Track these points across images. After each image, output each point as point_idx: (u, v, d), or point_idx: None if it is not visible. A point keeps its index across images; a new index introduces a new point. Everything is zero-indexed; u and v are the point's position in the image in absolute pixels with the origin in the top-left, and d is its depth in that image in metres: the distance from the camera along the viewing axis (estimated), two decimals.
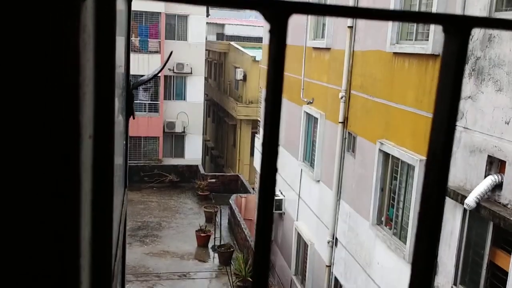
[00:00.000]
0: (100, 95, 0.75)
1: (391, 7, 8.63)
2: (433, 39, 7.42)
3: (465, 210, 6.62)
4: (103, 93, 0.77)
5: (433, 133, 0.49)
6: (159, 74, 25.40)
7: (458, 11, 6.89)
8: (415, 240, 0.51)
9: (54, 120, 0.52)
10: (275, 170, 0.44)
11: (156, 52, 25.54)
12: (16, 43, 0.49)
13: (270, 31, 0.40)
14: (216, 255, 17.12)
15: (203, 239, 17.87)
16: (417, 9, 8.21)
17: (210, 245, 17.96)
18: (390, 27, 8.69)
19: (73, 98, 0.52)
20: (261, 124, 18.36)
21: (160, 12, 25.49)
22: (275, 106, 0.40)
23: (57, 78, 0.51)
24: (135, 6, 26.88)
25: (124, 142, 1.89)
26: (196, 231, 18.11)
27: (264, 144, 0.42)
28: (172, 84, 27.08)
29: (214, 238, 17.83)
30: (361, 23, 10.07)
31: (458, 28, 0.45)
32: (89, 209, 0.71)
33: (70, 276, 0.56)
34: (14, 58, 0.50)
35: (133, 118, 1.94)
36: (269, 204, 0.44)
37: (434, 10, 7.44)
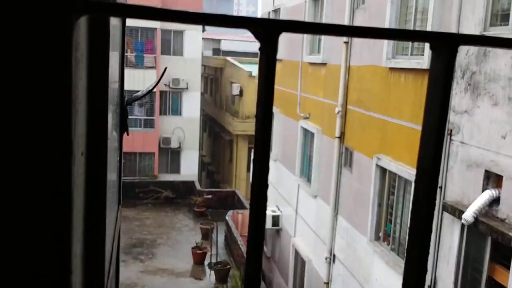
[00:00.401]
0: (93, 112, 0.75)
1: (386, 21, 8.70)
2: (429, 54, 7.46)
3: (463, 225, 6.59)
4: (96, 110, 0.76)
5: (422, 147, 0.50)
6: (155, 90, 25.44)
7: (453, 26, 6.94)
8: (406, 251, 0.50)
9: (45, 137, 0.52)
10: (266, 185, 0.44)
11: (152, 67, 25.62)
12: (8, 60, 0.50)
13: (260, 49, 0.40)
14: (213, 272, 16.94)
15: (199, 256, 17.71)
16: (412, 24, 8.27)
17: (206, 262, 17.79)
18: (385, 42, 8.75)
19: (65, 115, 0.52)
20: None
21: (156, 28, 25.63)
22: (266, 122, 0.40)
23: (49, 96, 0.51)
24: (130, 22, 27.12)
25: (118, 158, 1.86)
26: (192, 248, 17.96)
27: (255, 160, 0.41)
28: (168, 100, 27.11)
29: (211, 255, 17.68)
30: (357, 38, 10.13)
31: (445, 46, 0.46)
32: (81, 226, 0.69)
33: None
34: (6, 76, 0.50)
35: (127, 134, 1.92)
36: (261, 219, 0.43)
37: (429, 24, 7.50)
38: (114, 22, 1.49)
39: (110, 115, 1.42)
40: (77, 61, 0.58)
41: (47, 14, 0.48)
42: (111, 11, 0.44)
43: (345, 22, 10.36)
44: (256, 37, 0.41)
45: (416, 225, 0.50)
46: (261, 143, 0.42)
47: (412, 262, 0.49)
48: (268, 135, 0.42)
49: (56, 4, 0.48)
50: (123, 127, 1.83)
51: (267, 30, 0.41)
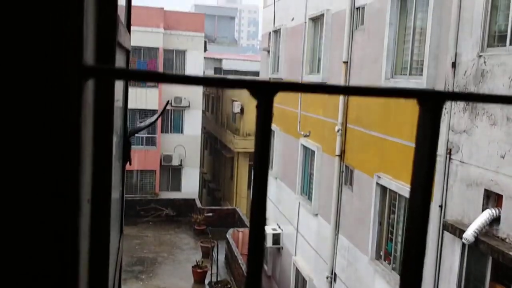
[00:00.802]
0: (97, 161, 0.78)
1: (385, 42, 8.79)
2: (427, 74, 7.54)
3: (463, 244, 6.58)
4: (100, 159, 0.80)
5: (411, 198, 0.52)
6: (156, 107, 25.57)
7: (450, 47, 7.02)
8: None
9: (53, 189, 0.55)
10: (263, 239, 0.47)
11: (154, 86, 25.78)
12: (21, 121, 0.53)
13: (257, 107, 0.44)
14: None
15: (199, 275, 17.59)
16: (410, 45, 8.36)
17: (206, 281, 17.67)
18: (384, 61, 8.84)
19: (73, 169, 0.55)
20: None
21: (158, 48, 25.87)
22: (262, 175, 0.43)
23: (58, 152, 0.54)
24: (133, 42, 27.19)
25: (121, 189, 1.89)
26: (192, 266, 17.85)
27: (252, 214, 0.45)
28: (169, 118, 27.23)
29: (211, 274, 17.56)
30: (356, 58, 10.23)
31: (431, 102, 0.49)
32: (86, 270, 0.72)
33: None
34: (18, 134, 0.53)
35: (130, 164, 1.96)
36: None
37: (427, 45, 7.58)
38: (118, 59, 1.54)
39: (114, 145, 1.46)
40: (85, 118, 0.62)
41: (58, 78, 0.52)
42: (117, 75, 0.47)
43: (345, 42, 10.47)
44: (254, 96, 0.44)
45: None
46: (258, 196, 0.44)
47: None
48: (265, 186, 0.45)
49: (66, 70, 0.52)
50: (125, 158, 1.87)
51: (264, 91, 0.44)
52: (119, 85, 1.59)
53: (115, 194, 1.54)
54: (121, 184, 1.85)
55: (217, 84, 0.44)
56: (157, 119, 2.84)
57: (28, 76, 0.51)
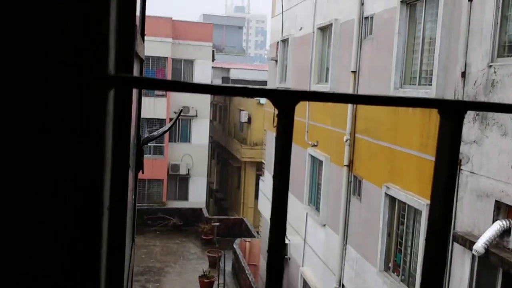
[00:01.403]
0: (116, 170, 0.78)
1: (394, 51, 8.78)
2: (437, 84, 7.50)
3: (473, 256, 6.50)
4: (118, 167, 0.80)
5: (431, 215, 0.52)
6: (164, 117, 25.67)
7: (460, 57, 6.99)
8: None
9: (78, 196, 0.55)
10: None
11: (163, 95, 25.91)
12: (48, 130, 0.54)
13: (278, 116, 0.43)
14: None
15: (206, 285, 17.52)
16: (419, 55, 8.34)
17: None
18: (393, 71, 8.82)
19: (98, 176, 0.56)
20: (265, 171, 18.08)
21: (167, 57, 26.03)
22: (283, 185, 0.42)
23: (83, 160, 0.55)
24: None
25: (133, 197, 1.89)
26: (199, 276, 17.79)
27: (272, 222, 0.44)
28: (177, 127, 27.31)
29: (218, 284, 17.48)
30: (365, 67, 10.22)
31: (452, 112, 0.49)
32: (104, 278, 0.72)
33: None
34: (46, 143, 0.54)
35: (143, 173, 1.96)
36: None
37: (436, 55, 7.56)
38: (136, 65, 1.54)
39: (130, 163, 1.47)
40: (108, 126, 0.63)
41: (85, 88, 0.52)
42: (139, 84, 0.47)
43: (353, 52, 10.47)
44: (275, 105, 0.44)
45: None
46: (278, 204, 0.43)
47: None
48: (286, 194, 0.44)
49: (93, 80, 0.52)
50: (138, 166, 1.87)
51: (285, 100, 0.44)
52: (133, 94, 1.60)
53: (129, 203, 1.54)
54: (133, 193, 1.85)
55: (238, 93, 0.43)
56: (170, 127, 2.84)
57: (56, 86, 0.52)
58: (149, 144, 26.35)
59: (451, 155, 0.50)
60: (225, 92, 0.42)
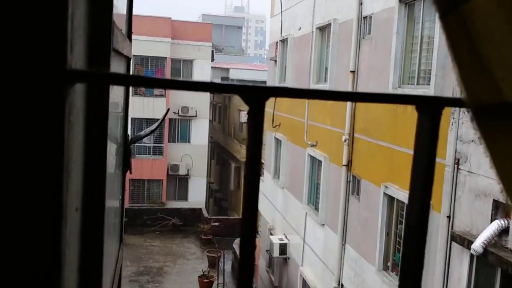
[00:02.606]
0: (90, 169, 0.77)
1: (392, 51, 8.78)
2: (435, 83, 7.51)
3: (472, 255, 6.50)
4: (93, 167, 0.79)
5: (409, 206, 0.51)
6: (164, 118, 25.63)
7: None
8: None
9: (37, 196, 0.54)
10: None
11: (161, 95, 25.91)
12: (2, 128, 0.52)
13: (248, 113, 0.43)
14: None
15: (205, 285, 17.52)
16: (418, 54, 8.34)
17: None
18: (392, 70, 8.82)
19: (56, 178, 0.54)
20: (265, 171, 18.11)
21: (166, 57, 26.03)
22: (253, 181, 0.42)
23: (41, 160, 0.53)
24: (141, 51, 27.30)
25: (121, 197, 1.89)
26: (198, 276, 17.79)
27: (242, 221, 0.44)
28: (176, 127, 27.31)
29: (217, 284, 17.49)
30: (364, 67, 10.22)
31: (430, 108, 0.49)
32: (75, 279, 0.71)
33: None
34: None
35: (130, 173, 1.95)
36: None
37: (434, 55, 7.56)
38: (118, 66, 1.53)
39: (114, 155, 1.46)
40: (72, 124, 0.61)
41: (40, 84, 0.51)
42: (104, 80, 0.47)
43: (352, 52, 10.47)
44: (245, 101, 0.44)
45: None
46: (250, 203, 0.43)
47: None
48: (256, 193, 0.44)
49: (47, 74, 0.51)
50: (126, 166, 1.87)
51: (255, 96, 0.44)
52: (118, 93, 1.59)
53: (114, 203, 1.53)
54: (121, 193, 1.84)
55: (207, 89, 0.43)
56: (157, 127, 2.84)
57: (8, 79, 0.51)
58: (148, 145, 26.36)
59: (429, 152, 0.50)
60: (191, 88, 0.42)
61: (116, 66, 1.39)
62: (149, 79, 0.43)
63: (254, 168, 0.42)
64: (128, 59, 1.87)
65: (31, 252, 0.54)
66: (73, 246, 0.70)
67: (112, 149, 1.30)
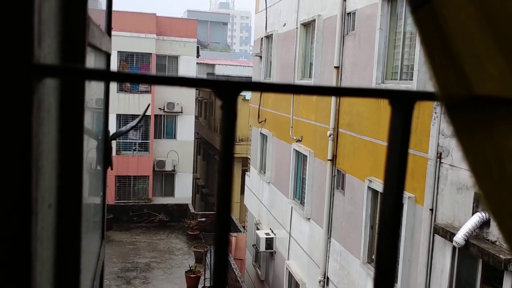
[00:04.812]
0: (65, 162, 0.77)
1: (376, 47, 8.86)
2: (417, 79, 7.61)
3: (454, 247, 6.62)
4: (69, 161, 0.79)
5: (384, 202, 0.52)
6: (149, 114, 25.53)
7: None
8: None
9: (2, 192, 0.53)
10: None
11: (147, 92, 25.75)
12: None
13: (221, 107, 0.44)
14: None
15: (192, 280, 17.54)
16: (400, 49, 8.44)
17: (200, 286, 17.62)
18: (375, 66, 8.91)
19: (24, 174, 0.53)
20: (251, 167, 18.05)
21: (151, 53, 25.86)
22: (226, 176, 0.44)
23: (6, 154, 0.53)
24: (126, 47, 27.03)
25: (102, 193, 1.90)
26: (185, 272, 17.80)
27: (217, 217, 0.45)
28: (162, 123, 27.19)
29: (204, 279, 17.52)
30: (348, 63, 10.30)
31: (402, 102, 0.50)
32: (49, 276, 0.71)
33: None
34: None
35: (111, 169, 1.97)
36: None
37: (417, 50, 7.66)
38: (97, 62, 1.54)
39: (93, 148, 1.47)
40: (42, 119, 0.60)
41: (5, 78, 0.50)
42: (72, 74, 0.47)
43: (336, 48, 10.54)
44: (218, 96, 0.45)
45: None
46: (223, 193, 0.45)
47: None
48: (229, 185, 0.45)
49: (14, 70, 0.50)
50: (107, 163, 1.87)
51: (227, 91, 0.44)
52: (98, 88, 1.60)
53: (94, 199, 1.54)
54: (102, 189, 1.85)
55: (180, 83, 0.44)
56: (138, 122, 2.86)
57: None
58: (134, 141, 26.21)
59: (402, 145, 0.51)
60: (164, 82, 0.43)
61: (94, 62, 1.40)
62: (121, 74, 0.44)
63: (227, 162, 0.45)
64: (107, 55, 1.87)
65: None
66: (47, 243, 0.70)
67: (91, 145, 1.31)
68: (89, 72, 0.45)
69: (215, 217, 0.47)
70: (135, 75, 0.44)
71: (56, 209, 0.75)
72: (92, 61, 1.29)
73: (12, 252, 0.54)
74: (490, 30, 0.42)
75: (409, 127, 0.51)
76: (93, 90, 1.40)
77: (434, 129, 7.17)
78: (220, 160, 0.46)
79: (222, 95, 0.44)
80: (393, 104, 0.51)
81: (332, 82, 10.61)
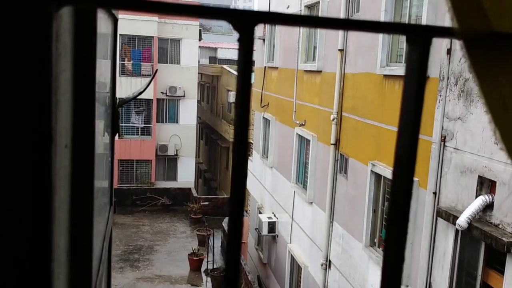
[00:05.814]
0: (78, 105, 0.76)
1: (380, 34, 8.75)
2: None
3: (457, 230, 6.62)
4: (81, 103, 0.78)
5: (398, 141, 0.51)
6: (152, 98, 25.49)
7: (447, 23, 7.00)
8: (384, 243, 0.51)
9: (24, 126, 0.53)
10: (245, 174, 0.46)
11: (149, 75, 25.66)
12: None
13: (238, 40, 0.43)
14: (209, 279, 16.91)
15: (195, 263, 17.68)
16: (407, 19, 8.33)
17: (203, 269, 17.76)
18: (380, 49, 8.82)
19: (44, 105, 0.53)
20: (253, 151, 18.08)
21: (153, 36, 25.72)
22: (244, 111, 0.43)
23: (27, 85, 0.53)
24: (128, 31, 26.96)
25: (110, 159, 1.89)
26: (188, 254, 17.93)
27: (234, 150, 0.44)
28: (165, 107, 27.16)
29: (207, 261, 17.65)
30: (352, 46, 10.21)
31: (419, 38, 0.48)
32: (66, 217, 0.71)
33: (41, 278, 0.56)
34: None
35: (119, 136, 1.96)
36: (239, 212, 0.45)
37: (424, 17, 7.56)
38: (105, 30, 1.52)
39: (101, 114, 1.45)
40: (59, 53, 0.60)
41: (25, 5, 0.50)
42: (90, 2, 0.46)
43: (340, 30, 10.43)
44: (235, 27, 0.43)
45: (394, 216, 0.51)
46: (239, 132, 0.43)
47: (391, 252, 0.50)
48: (247, 124, 0.44)
49: None
50: (115, 129, 1.87)
51: (245, 21, 0.43)
52: (105, 62, 1.57)
53: (105, 162, 1.53)
54: (110, 154, 1.85)
55: (192, 13, 0.42)
56: (145, 89, 2.84)
57: None
58: (136, 125, 26.21)
59: (419, 82, 0.49)
60: (174, 12, 0.41)
61: (106, 27, 1.38)
62: (135, 1, 0.42)
63: (244, 97, 0.43)
64: (115, 20, 1.85)
65: (19, 182, 0.54)
66: (63, 181, 0.70)
67: (101, 105, 1.29)
68: None
69: (232, 166, 0.46)
70: (153, 2, 0.42)
71: (72, 150, 0.75)
72: (102, 24, 1.26)
73: (33, 180, 0.54)
74: None
75: (426, 62, 0.50)
76: (100, 53, 1.37)
77: (438, 112, 7.12)
78: (237, 93, 0.44)
79: (239, 26, 0.42)
80: (410, 41, 0.50)
81: (336, 65, 10.53)
